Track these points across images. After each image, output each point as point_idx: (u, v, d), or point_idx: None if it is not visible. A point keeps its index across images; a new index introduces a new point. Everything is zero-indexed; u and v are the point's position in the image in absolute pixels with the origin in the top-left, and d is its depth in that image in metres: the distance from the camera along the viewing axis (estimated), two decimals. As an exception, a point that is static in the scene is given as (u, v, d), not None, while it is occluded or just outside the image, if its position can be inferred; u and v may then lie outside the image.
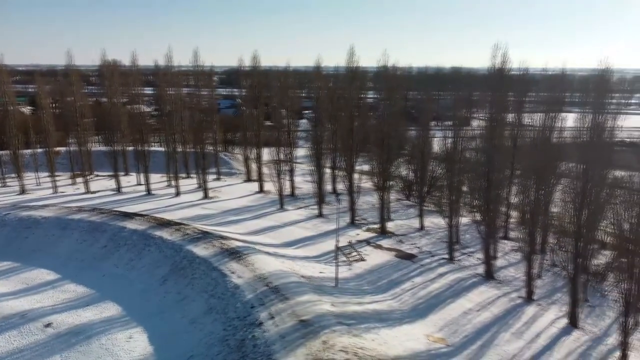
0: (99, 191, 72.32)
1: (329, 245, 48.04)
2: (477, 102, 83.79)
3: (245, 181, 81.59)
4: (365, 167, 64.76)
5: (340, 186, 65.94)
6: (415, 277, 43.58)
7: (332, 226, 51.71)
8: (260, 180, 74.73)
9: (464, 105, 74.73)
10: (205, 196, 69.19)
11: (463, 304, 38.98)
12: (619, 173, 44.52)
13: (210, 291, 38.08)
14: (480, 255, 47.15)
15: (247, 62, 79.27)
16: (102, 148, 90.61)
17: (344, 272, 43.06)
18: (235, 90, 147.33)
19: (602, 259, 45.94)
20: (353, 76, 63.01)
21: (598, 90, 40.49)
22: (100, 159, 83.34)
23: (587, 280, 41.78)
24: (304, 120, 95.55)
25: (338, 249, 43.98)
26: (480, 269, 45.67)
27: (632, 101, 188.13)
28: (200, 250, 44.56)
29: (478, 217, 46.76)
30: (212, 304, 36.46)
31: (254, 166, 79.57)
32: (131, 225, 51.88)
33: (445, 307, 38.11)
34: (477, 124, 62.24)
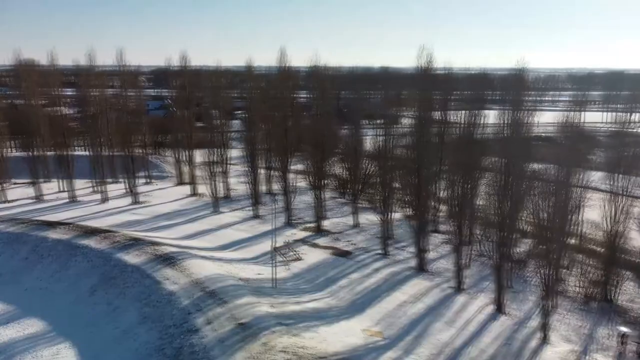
0: (17, 200, 67.71)
1: (266, 246, 47.86)
2: (406, 101, 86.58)
3: (178, 184, 79.44)
4: (300, 167, 65.09)
5: (276, 186, 65.86)
6: (352, 274, 44.38)
7: (268, 227, 51.57)
8: (193, 183, 73.08)
9: (393, 104, 76.95)
10: (135, 201, 66.69)
11: (398, 296, 40.19)
12: (536, 166, 47.50)
13: (144, 300, 36.78)
14: (412, 249, 48.78)
15: (176, 62, 77.25)
16: (20, 154, 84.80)
17: (282, 272, 43.08)
18: (164, 90, 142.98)
19: (524, 247, 48.96)
20: (285, 76, 63.11)
21: (516, 88, 43.06)
22: (18, 166, 77.89)
23: (511, 268, 44.35)
24: (237, 121, 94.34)
25: (275, 249, 43.95)
26: (413, 262, 47.27)
27: (546, 98, 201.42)
28: (132, 257, 42.92)
29: (409, 212, 48.35)
30: (146, 313, 35.24)
31: (186, 169, 77.69)
32: (55, 235, 49.00)
33: (381, 301, 39.13)
34: (406, 122, 64.38)
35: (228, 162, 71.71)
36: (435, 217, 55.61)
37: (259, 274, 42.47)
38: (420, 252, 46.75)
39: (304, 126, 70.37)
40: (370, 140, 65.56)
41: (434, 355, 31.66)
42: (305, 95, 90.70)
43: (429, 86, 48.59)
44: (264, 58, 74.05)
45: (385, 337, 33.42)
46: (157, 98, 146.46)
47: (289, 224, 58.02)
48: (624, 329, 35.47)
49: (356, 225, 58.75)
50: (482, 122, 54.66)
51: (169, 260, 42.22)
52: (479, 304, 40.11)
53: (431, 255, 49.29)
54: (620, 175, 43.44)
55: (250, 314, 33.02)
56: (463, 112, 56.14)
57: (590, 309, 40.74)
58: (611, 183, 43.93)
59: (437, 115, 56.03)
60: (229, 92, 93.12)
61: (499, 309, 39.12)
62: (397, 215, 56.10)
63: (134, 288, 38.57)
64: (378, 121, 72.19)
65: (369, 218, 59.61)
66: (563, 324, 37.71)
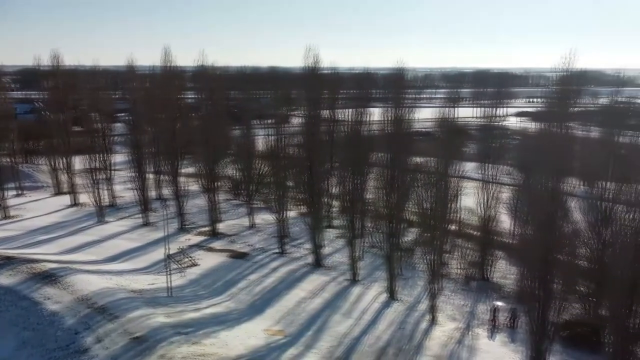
0: None
1: (158, 254, 45.90)
2: (295, 100, 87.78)
3: (55, 195, 73.07)
4: (191, 170, 63.25)
5: (166, 191, 63.28)
6: (250, 275, 44.19)
7: (160, 234, 49.44)
8: (73, 192, 67.70)
9: (283, 103, 77.62)
10: (5, 216, 60.30)
11: (297, 293, 40.80)
12: (418, 159, 50.80)
13: (22, 323, 33.44)
14: (308, 246, 49.77)
15: (47, 61, 70.83)
16: None
17: (178, 279, 41.63)
18: (33, 93, 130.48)
19: (411, 236, 52.16)
20: (171, 76, 60.89)
21: (396, 87, 45.69)
22: None
23: (400, 257, 47.06)
24: (120, 124, 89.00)
25: (169, 256, 42.30)
26: (310, 259, 48.25)
27: (424, 96, 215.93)
28: (4, 278, 38.78)
29: (304, 209, 49.23)
30: (25, 337, 32.08)
31: (64, 177, 71.71)
32: None
33: (281, 300, 39.47)
34: (296, 121, 65.38)
35: (112, 168, 67.52)
36: (328, 213, 57.18)
37: (152, 284, 40.63)
38: (316, 248, 47.84)
39: (193, 128, 68.44)
40: (262, 140, 65.62)
41: (333, 347, 32.66)
42: (193, 96, 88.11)
43: (316, 85, 49.81)
44: (147, 57, 70.83)
45: (287, 335, 33.79)
46: (25, 101, 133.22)
47: (183, 229, 56.19)
48: (499, 303, 39.36)
49: (252, 226, 58.52)
50: (368, 119, 57.20)
51: (49, 277, 38.79)
52: (374, 293, 42.08)
53: (327, 250, 50.63)
54: (490, 165, 48.05)
55: (146, 327, 31.52)
56: (350, 110, 58.31)
57: (471, 288, 44.61)
58: (482, 172, 48.41)
59: (325, 113, 57.62)
60: (109, 93, 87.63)
61: (392, 296, 41.36)
62: (292, 214, 56.81)
63: (9, 312, 34.90)
64: (269, 121, 72.35)
65: (264, 218, 59.67)
66: (448, 304, 40.88)
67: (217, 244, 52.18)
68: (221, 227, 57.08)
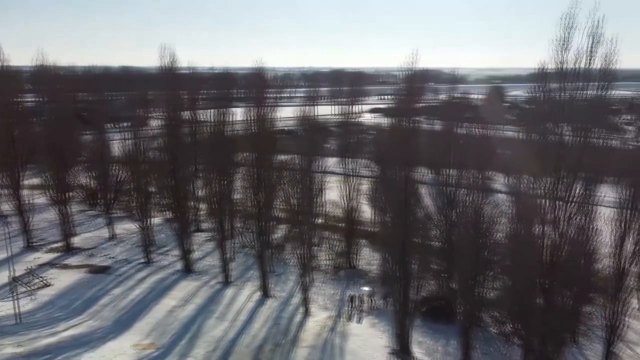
0: None
1: (1, 277, 40.71)
2: (153, 102, 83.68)
3: None
4: (37, 181, 57.00)
5: (7, 206, 56.13)
6: (114, 289, 41.36)
7: (1, 254, 43.88)
8: None
9: (140, 105, 73.51)
10: None
11: (167, 303, 39.18)
12: (283, 157, 51.75)
13: None
14: (177, 252, 48.00)
15: None
16: None
17: (28, 304, 37.38)
18: None
19: (281, 232, 53.01)
20: (5, 77, 54.05)
21: (257, 86, 46.05)
22: None
23: (271, 254, 47.65)
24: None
25: (15, 279, 37.82)
26: (179, 265, 46.61)
27: (284, 95, 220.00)
28: None
29: (170, 215, 47.35)
30: None
31: None
32: None
33: (150, 311, 37.60)
34: (156, 123, 62.40)
35: None
36: (196, 216, 55.67)
37: (-4, 312, 35.98)
38: (185, 254, 46.37)
39: (35, 134, 61.69)
40: (118, 144, 61.46)
41: (209, 353, 32.06)
42: (33, 99, 79.23)
43: (175, 86, 48.11)
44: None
45: (159, 347, 32.36)
46: None
47: (30, 247, 50.48)
48: (365, 288, 41.91)
49: (113, 237, 54.66)
50: (230, 119, 56.74)
51: None
52: (247, 293, 42.06)
53: (196, 254, 49.32)
54: (350, 159, 50.76)
55: (-9, 361, 27.89)
56: (212, 110, 57.33)
57: (340, 277, 46.79)
58: (343, 166, 50.96)
59: (186, 114, 55.92)
60: None
61: (266, 293, 41.74)
62: (157, 220, 54.18)
63: None
64: (125, 124, 67.99)
65: (126, 227, 56.11)
66: (320, 295, 42.42)
67: (72, 260, 47.85)
68: (77, 241, 52.41)
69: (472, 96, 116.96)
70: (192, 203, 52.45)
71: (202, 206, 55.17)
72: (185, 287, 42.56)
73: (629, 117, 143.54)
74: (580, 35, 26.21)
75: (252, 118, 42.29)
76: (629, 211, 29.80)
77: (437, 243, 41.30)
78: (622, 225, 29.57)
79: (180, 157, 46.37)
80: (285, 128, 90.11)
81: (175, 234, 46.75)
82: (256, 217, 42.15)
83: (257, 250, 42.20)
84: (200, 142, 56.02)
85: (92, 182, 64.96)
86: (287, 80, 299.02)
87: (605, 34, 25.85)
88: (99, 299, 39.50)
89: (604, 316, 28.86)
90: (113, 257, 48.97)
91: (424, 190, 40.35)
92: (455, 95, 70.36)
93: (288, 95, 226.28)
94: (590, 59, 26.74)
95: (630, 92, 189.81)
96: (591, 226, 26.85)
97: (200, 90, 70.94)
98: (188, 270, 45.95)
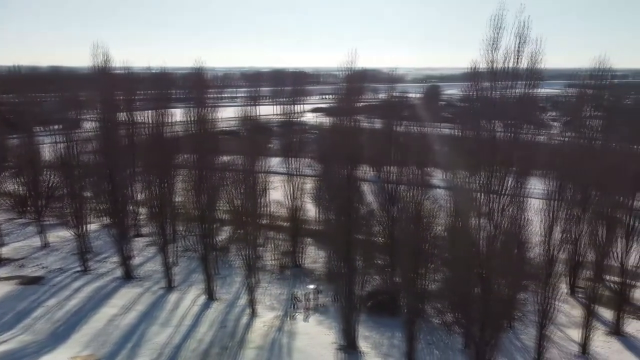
0: None
1: None
2: (86, 103, 80.00)
3: None
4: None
5: None
6: (48, 300, 39.34)
7: None
8: None
9: (72, 106, 69.95)
10: None
11: (107, 311, 37.73)
12: (225, 158, 51.05)
13: None
14: (116, 259, 46.28)
15: None
16: None
17: (-49, 321, 34.84)
18: None
19: (225, 234, 52.33)
20: None
21: (197, 86, 45.18)
22: None
23: (216, 256, 46.93)
24: None
25: None
26: (119, 272, 44.98)
27: (225, 95, 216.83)
28: None
29: (107, 220, 45.58)
30: None
31: None
32: None
33: (89, 321, 36.09)
34: (90, 125, 59.69)
35: None
36: (135, 221, 53.91)
37: None
38: (125, 260, 44.80)
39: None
40: (49, 148, 58.34)
41: (154, 360, 31.19)
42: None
43: (109, 86, 46.29)
44: None
45: (99, 358, 31.12)
46: None
47: (-48, 260, 47.03)
48: (312, 286, 42.15)
49: (45, 246, 51.91)
50: (169, 120, 55.29)
51: None
52: (192, 297, 41.21)
53: (137, 260, 47.80)
54: (293, 159, 50.83)
55: None
56: (150, 111, 55.60)
57: (286, 277, 46.79)
58: (287, 166, 50.97)
59: (122, 116, 53.93)
60: None
61: (211, 296, 41.06)
62: (93, 226, 51.98)
63: None
64: (55, 126, 64.52)
65: (60, 235, 53.46)
66: (266, 296, 42.24)
67: (1, 272, 45.03)
68: (5, 251, 49.38)
69: (410, 95, 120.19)
70: (131, 207, 50.69)
71: (142, 210, 53.43)
72: (126, 294, 41.12)
73: (554, 114, 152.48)
74: (509, 35, 27.77)
75: (193, 119, 41.47)
76: (556, 202, 31.74)
77: (380, 239, 42.21)
78: (550, 215, 31.47)
79: (117, 159, 44.68)
80: (227, 128, 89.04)
81: (114, 240, 45.07)
82: (199, 219, 41.36)
83: (201, 253, 41.43)
84: (138, 144, 54.23)
85: (21, 189, 61.39)
86: (227, 80, 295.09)
87: (531, 34, 27.52)
88: (31, 311, 37.43)
89: (536, 301, 30.56)
90: (46, 267, 46.53)
91: (366, 188, 41.14)
92: (394, 94, 71.97)
93: (229, 95, 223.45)
94: (518, 58, 28.30)
95: (555, 91, 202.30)
96: (523, 217, 28.32)
97: (137, 91, 68.45)
98: (128, 276, 44.42)
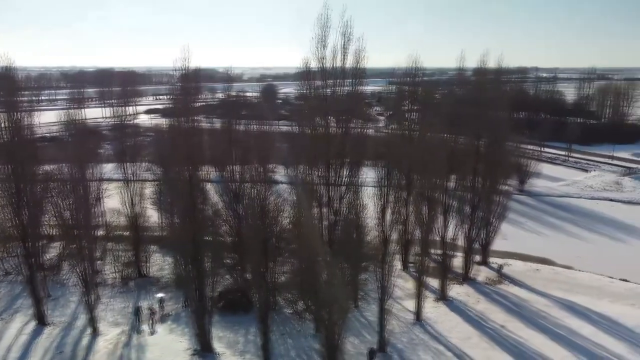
0: None
1: None
2: None
3: None
4: None
5: None
6: None
7: None
8: None
9: None
10: None
11: None
12: (48, 167, 45.91)
13: None
14: None
15: None
16: None
17: None
18: None
19: (55, 251, 47.17)
20: None
21: (7, 88, 39.78)
22: None
23: (44, 277, 42.13)
24: None
25: None
26: None
27: (43, 98, 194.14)
28: None
29: None
30: None
31: None
32: None
33: None
34: None
35: None
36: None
37: None
38: None
39: None
40: None
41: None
42: None
43: None
44: None
45: None
46: None
47: None
48: (160, 294, 40.28)
49: None
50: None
51: None
52: (18, 326, 36.50)
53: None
54: (128, 164, 47.79)
55: None
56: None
57: (130, 289, 43.88)
58: (122, 171, 47.74)
59: None
60: None
61: (42, 321, 36.79)
62: None
63: None
64: None
65: None
66: (109, 312, 39.16)
67: None
68: None
69: (247, 94, 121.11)
70: None
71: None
72: None
73: (379, 109, 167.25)
74: (336, 34, 30.11)
75: (3, 125, 36.43)
76: (385, 187, 35.08)
77: (228, 238, 42.07)
78: (382, 199, 34.71)
79: None
80: (48, 134, 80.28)
81: None
82: (21, 237, 36.66)
83: (26, 275, 36.80)
84: None
85: None
86: (44, 81, 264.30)
87: (355, 32, 30.26)
88: None
89: (376, 279, 33.43)
90: None
91: (210, 188, 40.59)
92: (231, 93, 71.91)
93: (48, 97, 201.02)
94: (344, 55, 30.75)
95: (379, 88, 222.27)
96: (358, 203, 30.75)
97: None
98: None
